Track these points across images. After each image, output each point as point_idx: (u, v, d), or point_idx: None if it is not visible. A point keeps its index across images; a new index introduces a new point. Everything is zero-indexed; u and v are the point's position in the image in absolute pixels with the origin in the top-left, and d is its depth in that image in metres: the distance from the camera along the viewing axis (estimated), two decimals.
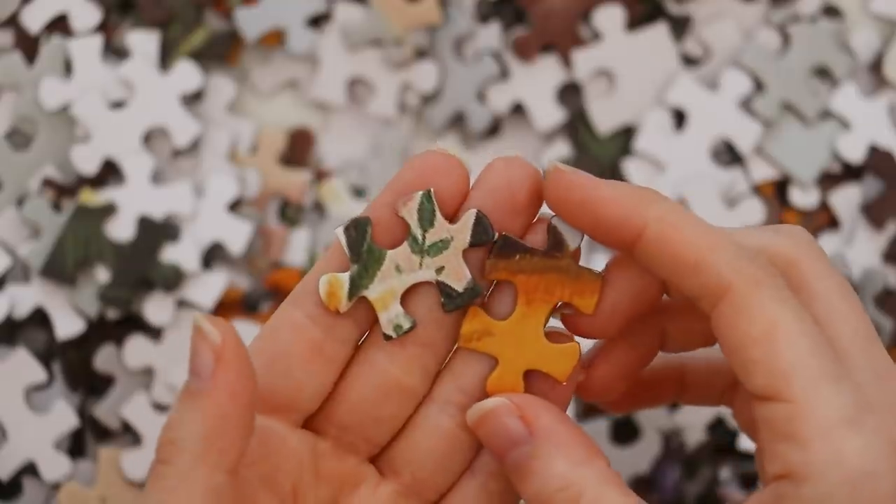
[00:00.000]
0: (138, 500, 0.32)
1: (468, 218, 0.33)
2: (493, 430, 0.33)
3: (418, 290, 0.34)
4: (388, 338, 0.34)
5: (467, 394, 0.35)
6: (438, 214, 0.33)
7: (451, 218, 0.33)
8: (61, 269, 0.58)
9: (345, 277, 0.34)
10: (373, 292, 0.34)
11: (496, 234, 0.33)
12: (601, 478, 0.32)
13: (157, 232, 0.58)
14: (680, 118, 0.61)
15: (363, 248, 0.33)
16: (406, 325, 0.34)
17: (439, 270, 0.33)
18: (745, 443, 0.59)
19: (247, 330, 0.58)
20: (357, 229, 0.33)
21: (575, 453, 0.32)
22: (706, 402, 0.41)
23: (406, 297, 0.34)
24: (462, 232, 0.33)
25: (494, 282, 0.34)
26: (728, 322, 0.31)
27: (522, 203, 0.33)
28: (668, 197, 0.33)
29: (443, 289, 0.33)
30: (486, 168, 0.34)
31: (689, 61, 0.62)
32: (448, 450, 0.35)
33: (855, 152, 0.60)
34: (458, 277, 0.33)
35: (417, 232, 0.33)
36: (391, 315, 0.34)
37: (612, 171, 0.61)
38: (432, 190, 0.33)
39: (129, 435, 0.58)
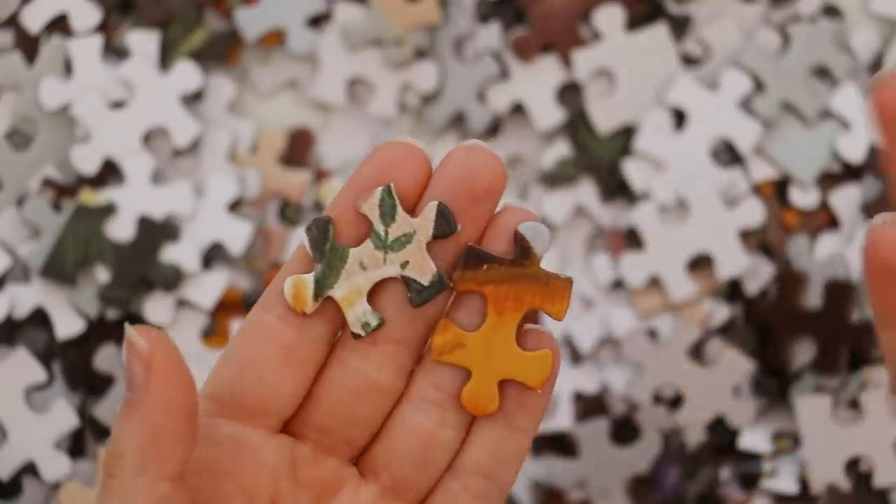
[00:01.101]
0: None
1: (430, 210, 0.33)
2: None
3: (385, 286, 0.34)
4: (356, 336, 0.34)
5: (443, 391, 0.35)
6: (399, 209, 0.33)
7: (413, 209, 0.33)
8: (61, 269, 0.58)
9: (309, 278, 0.33)
10: (338, 291, 0.33)
11: (458, 226, 0.33)
12: None
13: (157, 232, 0.58)
14: (680, 118, 0.61)
15: (326, 247, 0.33)
16: (374, 322, 0.34)
17: (404, 265, 0.33)
18: (745, 443, 0.59)
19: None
20: (318, 229, 0.33)
21: None
22: None
23: (373, 294, 0.34)
24: (424, 225, 0.33)
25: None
26: None
27: (482, 192, 0.33)
28: None
29: (409, 283, 0.33)
30: (445, 157, 0.33)
31: (689, 61, 0.62)
32: (427, 449, 0.35)
33: (855, 152, 0.60)
34: (424, 271, 0.33)
35: (379, 228, 0.33)
36: (358, 313, 0.34)
37: (612, 171, 0.61)
38: (392, 185, 0.32)
39: None
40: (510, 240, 0.33)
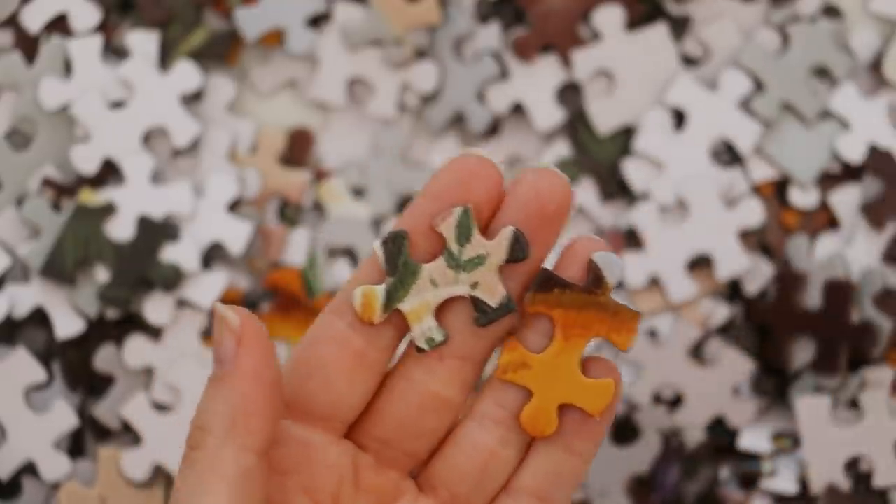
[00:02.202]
0: (173, 490, 0.32)
1: (505, 235, 0.33)
2: None
3: (453, 304, 0.34)
4: (420, 350, 0.34)
5: (506, 409, 0.35)
6: (476, 231, 0.33)
7: (486, 225, 0.34)
8: (61, 268, 0.58)
9: (380, 290, 0.34)
10: (407, 305, 0.34)
11: (530, 252, 0.33)
12: None
13: (156, 232, 0.58)
14: (680, 118, 0.61)
15: (400, 261, 0.34)
16: (439, 338, 0.34)
17: (474, 286, 0.34)
18: (745, 443, 0.59)
19: None
20: (394, 243, 0.34)
21: None
22: None
23: (440, 310, 0.34)
24: (498, 249, 0.33)
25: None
26: None
27: (552, 214, 0.34)
28: None
29: (477, 304, 0.34)
30: (515, 180, 0.34)
31: (689, 61, 0.62)
32: (486, 467, 0.35)
33: (855, 152, 0.60)
34: (493, 293, 0.34)
35: (454, 247, 0.33)
36: (424, 328, 0.34)
37: (612, 171, 0.61)
38: (470, 207, 0.33)
39: (129, 435, 0.58)
40: (583, 267, 0.34)
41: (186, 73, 0.60)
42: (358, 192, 0.62)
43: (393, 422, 0.35)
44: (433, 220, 0.33)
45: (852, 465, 0.58)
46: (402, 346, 0.36)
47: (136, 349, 0.58)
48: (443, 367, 0.35)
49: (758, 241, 0.61)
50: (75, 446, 0.59)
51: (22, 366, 0.57)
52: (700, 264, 0.60)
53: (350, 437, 0.36)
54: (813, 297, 0.59)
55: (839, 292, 0.59)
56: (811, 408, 0.58)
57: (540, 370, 0.34)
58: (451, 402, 0.35)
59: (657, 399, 0.60)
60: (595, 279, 0.34)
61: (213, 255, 0.60)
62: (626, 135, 0.61)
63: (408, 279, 0.34)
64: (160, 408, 0.58)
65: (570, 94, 0.62)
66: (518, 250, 0.33)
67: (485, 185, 0.33)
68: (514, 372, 0.34)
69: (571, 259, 0.34)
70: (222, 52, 0.62)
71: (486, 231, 0.34)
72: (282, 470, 0.34)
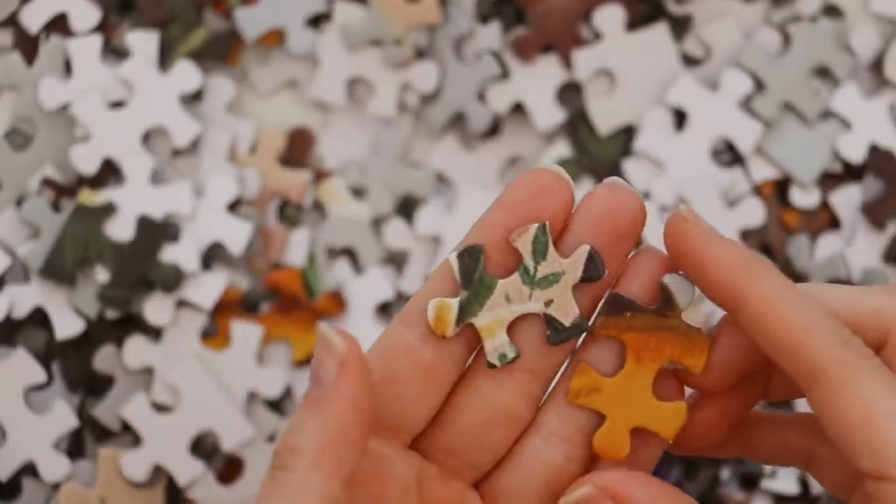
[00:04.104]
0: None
1: (581, 254, 0.33)
2: None
3: (525, 320, 0.34)
4: (491, 366, 0.34)
5: (574, 427, 0.35)
6: (551, 248, 0.33)
7: (557, 240, 0.34)
8: (60, 269, 0.58)
9: (454, 303, 0.34)
10: (481, 320, 0.34)
11: (605, 271, 0.33)
12: None
13: (156, 232, 0.58)
14: (680, 118, 0.61)
15: (475, 275, 0.34)
16: (511, 354, 0.34)
17: (548, 303, 0.34)
18: None
19: (247, 330, 0.58)
20: (471, 256, 0.33)
21: None
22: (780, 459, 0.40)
23: (512, 326, 0.34)
24: (574, 267, 0.33)
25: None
26: (825, 406, 0.31)
27: (626, 231, 0.34)
28: (775, 269, 0.33)
29: (550, 322, 0.34)
30: (588, 195, 0.34)
31: (690, 61, 0.62)
32: (551, 483, 0.35)
33: (856, 152, 0.60)
34: (566, 312, 0.34)
35: (530, 264, 0.33)
36: (497, 343, 0.34)
37: (612, 171, 0.61)
38: (547, 223, 0.33)
39: (129, 435, 0.58)
40: (648, 286, 0.34)
41: (186, 74, 0.60)
42: (358, 192, 0.62)
43: (459, 433, 0.35)
44: (509, 235, 0.33)
45: None
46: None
47: (136, 350, 0.58)
48: (512, 381, 0.35)
49: (759, 242, 0.60)
50: (75, 447, 0.58)
51: (22, 366, 0.57)
52: None
53: (415, 444, 0.36)
54: None
55: None
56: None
57: (612, 394, 0.34)
58: (519, 417, 0.35)
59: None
60: (666, 301, 0.34)
61: (213, 256, 0.60)
62: (626, 135, 0.61)
63: (482, 294, 0.34)
64: (160, 408, 0.58)
65: (570, 93, 0.62)
66: (593, 269, 0.33)
67: (558, 200, 0.33)
68: (586, 396, 0.34)
69: (636, 276, 0.34)
70: (222, 52, 0.62)
71: (558, 247, 0.34)
72: (353, 482, 0.34)
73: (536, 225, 0.33)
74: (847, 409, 0.31)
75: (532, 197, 0.33)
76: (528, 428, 0.36)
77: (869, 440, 0.30)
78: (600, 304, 0.34)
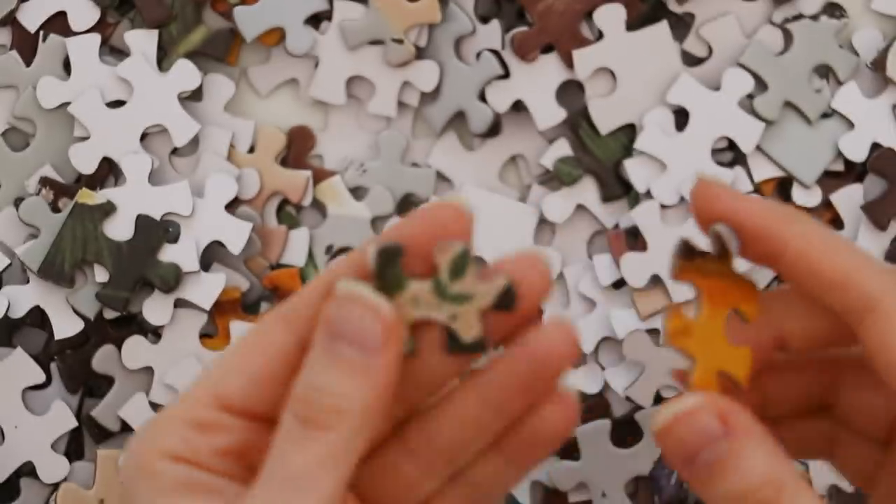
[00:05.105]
0: (275, 463, 0.31)
1: (498, 282, 0.33)
2: (689, 429, 0.33)
3: (429, 326, 0.34)
4: None
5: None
6: (471, 270, 0.33)
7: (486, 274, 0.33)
8: (59, 269, 0.58)
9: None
10: None
11: (518, 306, 0.33)
12: (798, 475, 0.33)
13: (155, 232, 0.58)
14: (681, 117, 0.61)
15: (390, 271, 0.33)
16: (407, 348, 0.34)
17: (452, 318, 0.33)
18: None
19: (246, 330, 0.58)
20: (390, 254, 0.33)
21: (773, 449, 0.33)
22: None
23: (415, 326, 0.34)
24: (488, 294, 0.33)
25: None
26: (881, 334, 0.32)
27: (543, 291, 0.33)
28: (806, 215, 0.34)
29: (450, 333, 0.33)
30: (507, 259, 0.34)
31: (691, 60, 0.62)
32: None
33: (858, 151, 0.60)
34: (468, 331, 0.33)
35: (444, 279, 0.33)
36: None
37: (613, 171, 0.61)
38: (469, 246, 0.33)
39: (128, 436, 0.58)
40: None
41: (185, 73, 0.60)
42: (358, 192, 0.62)
43: None
44: (434, 246, 0.33)
45: None
46: None
47: (135, 350, 0.58)
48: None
49: None
50: (74, 448, 0.58)
51: (20, 367, 0.57)
52: None
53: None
54: None
55: None
56: None
57: (699, 337, 0.35)
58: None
59: (659, 399, 0.59)
60: (721, 249, 0.34)
61: (212, 256, 0.59)
62: (627, 134, 0.61)
63: (392, 289, 0.33)
64: (159, 408, 0.58)
65: (570, 92, 0.61)
66: (506, 300, 0.33)
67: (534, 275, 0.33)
68: (680, 339, 0.34)
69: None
70: (221, 51, 0.61)
71: (483, 271, 0.33)
72: None
73: (460, 246, 0.33)
74: None
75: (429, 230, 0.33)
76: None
77: None
78: (673, 252, 0.35)
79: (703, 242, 0.35)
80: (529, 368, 0.33)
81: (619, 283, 0.60)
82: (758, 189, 0.61)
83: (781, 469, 0.32)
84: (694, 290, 0.35)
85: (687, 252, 0.34)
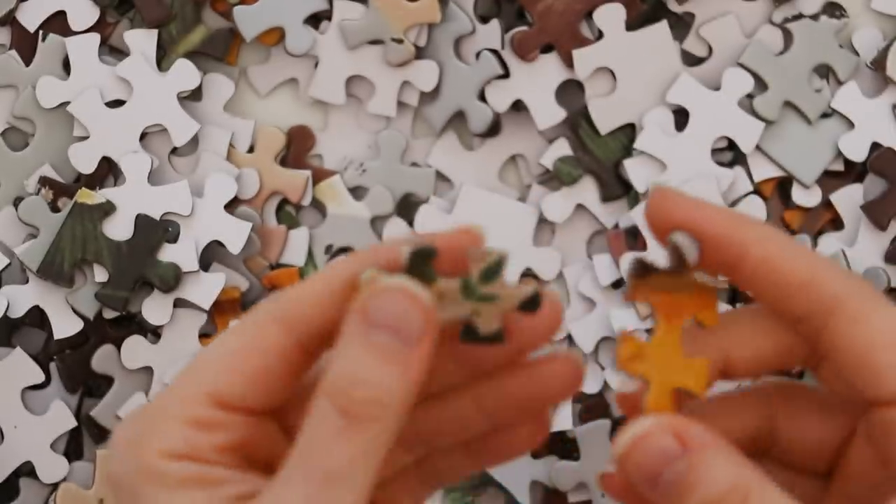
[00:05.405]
0: (306, 459, 0.31)
1: (525, 290, 0.33)
2: (647, 451, 0.33)
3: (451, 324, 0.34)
4: None
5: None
6: (502, 278, 0.33)
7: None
8: (58, 268, 0.58)
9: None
10: None
11: (540, 310, 0.33)
12: (762, 477, 0.32)
13: (154, 231, 0.58)
14: (681, 117, 0.61)
15: (423, 269, 0.33)
16: None
17: (475, 313, 0.33)
18: None
19: (234, 327, 0.58)
20: (423, 255, 0.33)
21: (734, 457, 0.33)
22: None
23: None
24: (514, 297, 0.33)
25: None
26: (847, 333, 0.32)
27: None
28: (767, 222, 0.34)
29: (468, 324, 0.33)
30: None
31: (691, 60, 0.62)
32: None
33: (857, 151, 0.60)
34: (487, 326, 0.33)
35: (475, 279, 0.33)
36: None
37: (613, 171, 0.61)
38: (507, 256, 0.33)
39: None
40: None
41: (185, 72, 0.60)
42: (357, 192, 0.62)
43: None
44: (468, 248, 0.33)
45: None
46: None
47: (135, 350, 0.58)
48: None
49: None
50: (73, 448, 0.58)
51: (19, 367, 0.57)
52: None
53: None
54: None
55: None
56: None
57: (653, 358, 0.34)
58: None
59: None
60: (677, 260, 0.34)
61: (211, 255, 0.59)
62: (627, 134, 0.61)
63: (422, 282, 0.33)
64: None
65: (570, 91, 0.61)
66: (532, 303, 0.33)
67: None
68: (631, 363, 0.34)
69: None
70: (221, 50, 0.61)
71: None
72: None
73: (498, 253, 0.33)
74: (873, 332, 0.32)
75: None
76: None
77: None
78: (627, 272, 0.35)
79: (659, 258, 0.35)
80: (531, 393, 0.34)
81: (619, 283, 0.60)
82: (758, 189, 0.61)
83: (744, 474, 0.32)
84: (649, 308, 0.35)
85: (641, 270, 0.34)
